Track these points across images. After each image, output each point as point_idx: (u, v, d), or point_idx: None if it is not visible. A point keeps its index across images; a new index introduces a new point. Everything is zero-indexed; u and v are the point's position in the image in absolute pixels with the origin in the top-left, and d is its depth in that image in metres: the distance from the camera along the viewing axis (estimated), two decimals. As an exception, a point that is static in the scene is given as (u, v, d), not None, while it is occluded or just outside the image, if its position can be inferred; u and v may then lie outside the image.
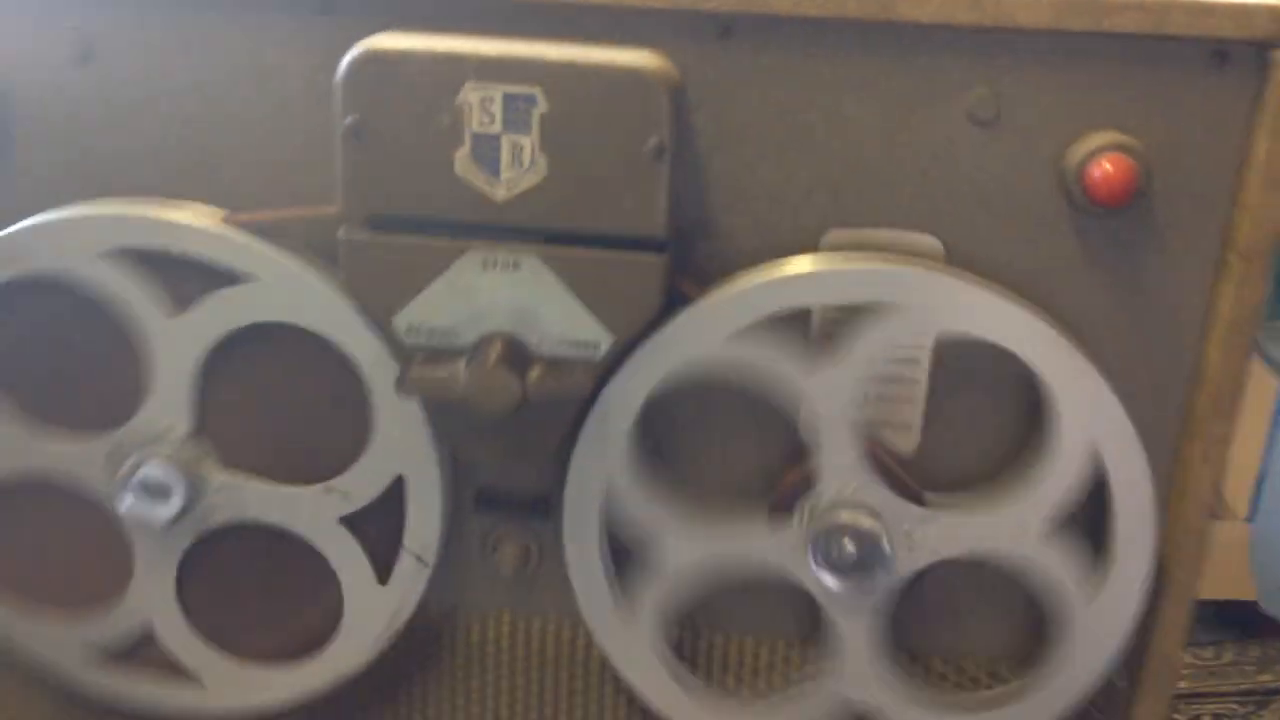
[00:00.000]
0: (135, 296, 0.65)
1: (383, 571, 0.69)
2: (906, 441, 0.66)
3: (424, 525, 0.68)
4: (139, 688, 0.73)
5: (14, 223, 0.65)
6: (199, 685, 0.73)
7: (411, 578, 0.69)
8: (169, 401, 0.67)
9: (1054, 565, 0.65)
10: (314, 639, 0.71)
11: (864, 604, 0.67)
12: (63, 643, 0.72)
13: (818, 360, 0.63)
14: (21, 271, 0.66)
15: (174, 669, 0.72)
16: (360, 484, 0.68)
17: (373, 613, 0.70)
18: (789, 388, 0.63)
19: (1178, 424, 0.64)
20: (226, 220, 0.65)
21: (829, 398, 0.63)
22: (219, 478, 0.68)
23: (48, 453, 0.69)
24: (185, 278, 0.65)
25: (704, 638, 0.72)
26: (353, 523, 0.69)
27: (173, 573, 0.70)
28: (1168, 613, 0.67)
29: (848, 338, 0.63)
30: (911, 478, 0.66)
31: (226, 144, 0.65)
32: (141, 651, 0.73)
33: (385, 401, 0.66)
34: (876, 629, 0.68)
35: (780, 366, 0.63)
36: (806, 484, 0.65)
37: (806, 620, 0.71)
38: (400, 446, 0.67)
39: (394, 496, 0.68)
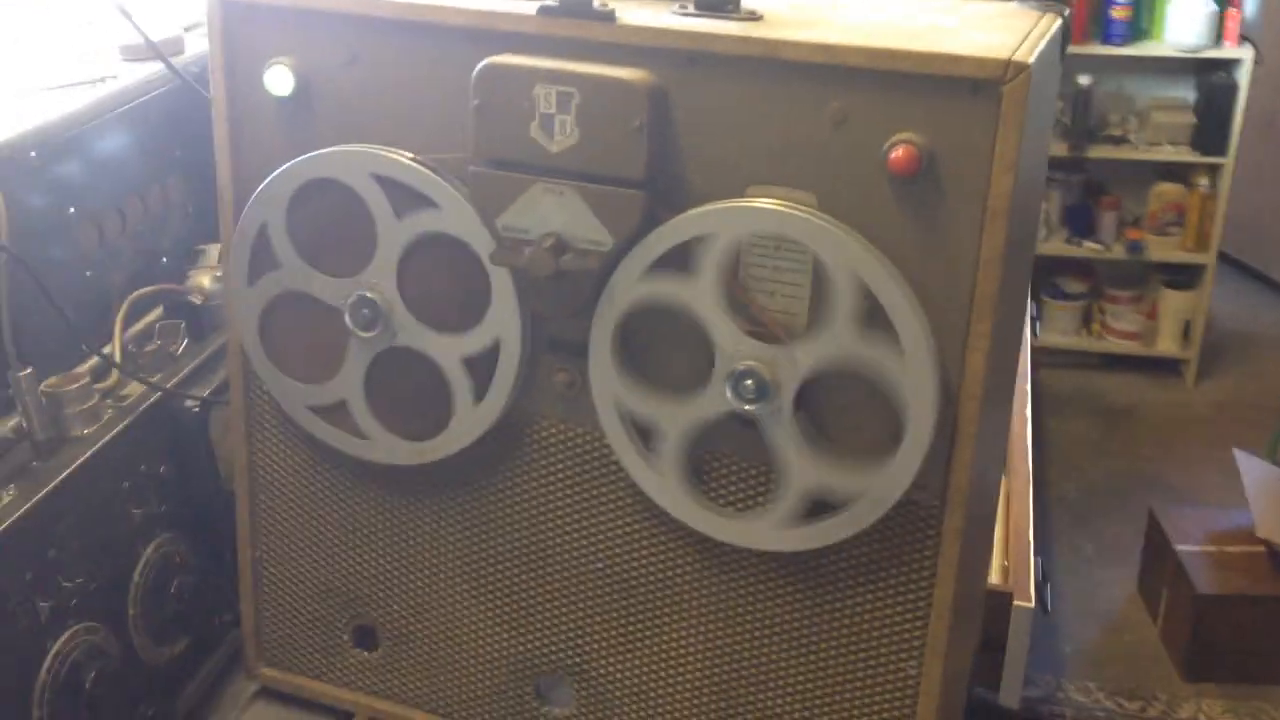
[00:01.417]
0: (375, 200, 1.13)
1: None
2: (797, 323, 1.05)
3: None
4: (330, 433, 1.22)
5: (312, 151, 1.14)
6: (368, 441, 1.21)
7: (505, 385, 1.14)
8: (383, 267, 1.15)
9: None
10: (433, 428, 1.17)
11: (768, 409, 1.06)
12: (293, 398, 1.22)
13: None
14: (316, 176, 1.15)
15: (355, 429, 1.21)
16: (480, 337, 1.14)
17: (474, 418, 1.15)
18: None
19: (963, 324, 1.00)
20: (413, 158, 1.12)
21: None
22: (401, 316, 1.15)
23: (319, 284, 1.18)
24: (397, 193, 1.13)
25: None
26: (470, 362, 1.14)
27: (364, 369, 1.18)
28: (960, 452, 1.02)
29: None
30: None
31: (419, 115, 1.12)
32: (336, 414, 1.22)
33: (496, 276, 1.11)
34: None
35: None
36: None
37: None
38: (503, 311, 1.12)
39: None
